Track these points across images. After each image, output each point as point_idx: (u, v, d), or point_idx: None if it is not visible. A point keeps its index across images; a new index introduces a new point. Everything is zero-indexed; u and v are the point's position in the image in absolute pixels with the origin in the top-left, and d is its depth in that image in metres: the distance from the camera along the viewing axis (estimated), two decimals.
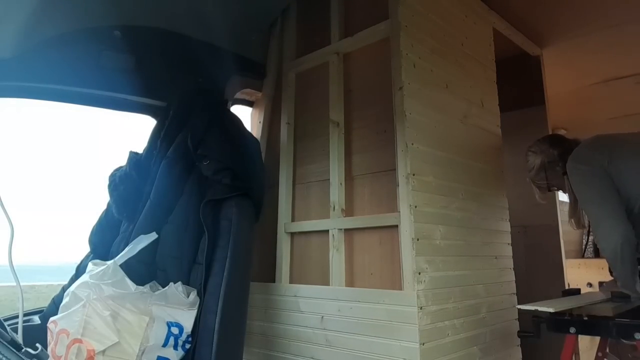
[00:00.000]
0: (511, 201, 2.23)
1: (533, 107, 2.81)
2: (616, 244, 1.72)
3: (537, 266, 2.49)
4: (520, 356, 2.06)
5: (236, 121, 2.01)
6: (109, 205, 1.90)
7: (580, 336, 1.96)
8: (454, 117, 1.99)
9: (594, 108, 3.74)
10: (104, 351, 1.31)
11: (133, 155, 1.93)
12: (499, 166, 2.23)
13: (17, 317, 1.44)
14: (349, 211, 1.92)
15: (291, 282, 2.02)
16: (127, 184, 1.83)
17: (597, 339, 2.17)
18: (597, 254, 4.36)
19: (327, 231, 1.92)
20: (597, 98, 3.51)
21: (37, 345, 1.26)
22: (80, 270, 1.79)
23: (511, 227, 2.20)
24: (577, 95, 3.45)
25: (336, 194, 1.93)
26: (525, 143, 2.72)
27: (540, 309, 1.69)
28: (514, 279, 2.13)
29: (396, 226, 1.69)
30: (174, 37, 2.09)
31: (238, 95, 2.39)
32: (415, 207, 1.66)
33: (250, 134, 2.08)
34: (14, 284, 1.41)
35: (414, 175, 1.68)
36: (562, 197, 3.97)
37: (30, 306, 1.89)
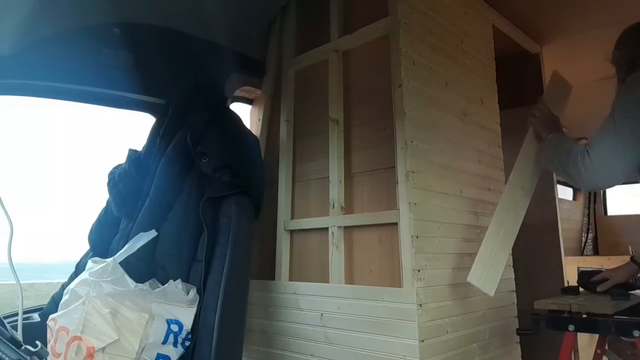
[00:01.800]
0: None
1: (533, 104, 2.80)
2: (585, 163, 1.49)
3: (536, 263, 2.49)
4: (520, 353, 2.07)
5: (235, 119, 2.01)
6: (108, 202, 1.90)
7: (579, 333, 1.96)
8: (454, 114, 1.99)
9: (594, 105, 3.72)
10: (103, 348, 1.32)
11: (132, 153, 1.93)
12: (498, 164, 2.23)
13: (16, 314, 1.44)
14: (348, 209, 1.92)
15: (291, 279, 2.03)
16: (126, 181, 1.83)
17: (596, 336, 2.18)
18: (596, 251, 4.37)
19: (327, 229, 1.93)
20: (596, 95, 3.49)
21: (37, 342, 1.25)
22: (79, 268, 1.79)
23: None
24: (576, 93, 3.44)
25: (336, 191, 1.93)
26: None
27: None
28: (514, 276, 2.13)
29: (396, 224, 1.69)
30: (173, 35, 2.08)
31: (237, 92, 2.39)
32: (415, 204, 1.66)
33: (249, 131, 2.08)
34: (14, 282, 1.41)
35: (413, 172, 1.68)
36: (561, 194, 3.99)
37: (29, 304, 1.89)
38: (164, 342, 1.41)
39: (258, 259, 2.10)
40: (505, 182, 2.23)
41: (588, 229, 4.47)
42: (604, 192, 4.50)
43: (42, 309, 1.80)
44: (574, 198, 4.52)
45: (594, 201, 4.47)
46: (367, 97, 1.96)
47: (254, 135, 2.13)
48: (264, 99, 2.36)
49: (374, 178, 1.88)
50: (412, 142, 1.71)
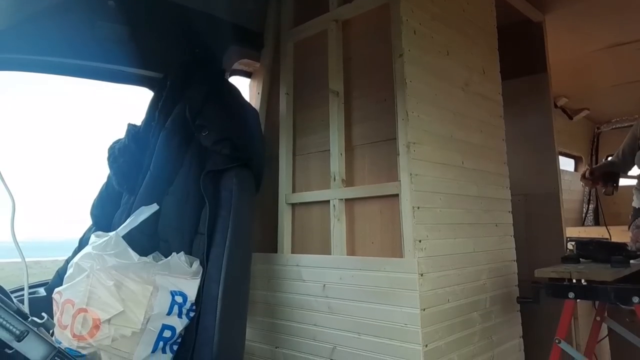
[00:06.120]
0: (512, 169, 2.22)
1: (535, 74, 2.77)
2: None
3: (537, 234, 2.50)
4: (520, 321, 2.09)
5: (234, 91, 1.99)
6: (109, 177, 1.89)
7: (579, 301, 1.99)
8: (455, 84, 1.97)
9: (596, 75, 3.69)
10: (109, 320, 1.33)
11: (131, 128, 1.92)
12: (500, 134, 2.21)
13: (22, 289, 1.45)
14: (349, 181, 1.92)
15: (293, 252, 2.04)
16: (126, 156, 1.82)
17: (596, 303, 2.21)
18: (597, 222, 4.39)
19: (328, 202, 1.93)
20: (599, 65, 3.46)
21: (43, 314, 1.27)
22: (82, 243, 1.80)
23: (512, 195, 2.20)
24: (579, 63, 3.40)
25: (336, 164, 1.92)
26: (526, 111, 2.71)
27: None
28: (514, 246, 2.15)
29: (397, 195, 1.69)
30: (170, 7, 2.04)
31: (236, 66, 2.36)
32: (416, 175, 1.66)
33: (249, 104, 2.07)
34: (19, 259, 1.41)
35: (414, 143, 1.67)
36: (563, 166, 3.98)
37: (35, 281, 1.91)
38: (169, 313, 1.43)
39: (260, 232, 2.10)
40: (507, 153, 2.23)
41: (589, 200, 4.48)
42: None
43: (47, 283, 1.82)
44: (575, 169, 4.51)
45: None
46: (367, 67, 1.94)
47: (254, 108, 2.11)
48: (262, 72, 2.33)
49: (374, 150, 1.87)
50: (413, 113, 1.69)
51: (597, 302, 2.17)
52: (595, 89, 3.89)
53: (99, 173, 1.94)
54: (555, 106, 3.68)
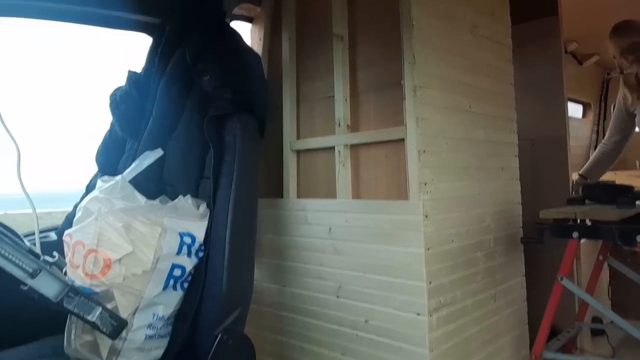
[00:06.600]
0: (519, 114, 2.19)
1: (545, 18, 2.68)
2: None
3: (543, 178, 2.49)
4: (523, 261, 2.13)
5: (236, 36, 1.94)
6: (112, 124, 1.88)
7: (583, 242, 2.00)
8: (463, 27, 1.91)
9: (608, 18, 3.56)
10: (119, 260, 1.36)
11: (132, 75, 1.89)
12: (508, 79, 2.17)
13: (33, 234, 1.47)
14: (354, 127, 1.91)
15: (299, 197, 2.05)
16: (128, 102, 1.80)
17: (599, 247, 2.23)
18: None
19: (333, 148, 1.92)
20: (611, 7, 3.34)
21: (55, 253, 1.30)
22: (89, 188, 1.82)
23: (519, 140, 2.19)
24: (590, 4, 3.28)
25: (341, 110, 1.90)
26: (536, 56, 2.65)
27: None
28: (520, 189, 2.15)
29: (402, 140, 1.68)
30: None
31: (236, 11, 2.29)
32: (422, 119, 1.64)
33: (250, 48, 2.01)
34: (30, 211, 1.42)
35: (421, 87, 1.65)
36: (571, 112, 3.91)
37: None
38: (178, 253, 1.45)
39: (265, 179, 2.11)
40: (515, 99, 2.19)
41: (597, 146, 4.44)
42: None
43: (57, 228, 1.85)
44: (584, 115, 4.45)
45: (604, 118, 4.40)
46: (372, 10, 1.88)
47: (256, 53, 2.06)
48: (264, 16, 2.27)
49: (380, 95, 1.85)
50: (419, 56, 1.65)
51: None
52: (607, 33, 3.77)
53: (104, 121, 1.94)
54: (565, 51, 3.58)
